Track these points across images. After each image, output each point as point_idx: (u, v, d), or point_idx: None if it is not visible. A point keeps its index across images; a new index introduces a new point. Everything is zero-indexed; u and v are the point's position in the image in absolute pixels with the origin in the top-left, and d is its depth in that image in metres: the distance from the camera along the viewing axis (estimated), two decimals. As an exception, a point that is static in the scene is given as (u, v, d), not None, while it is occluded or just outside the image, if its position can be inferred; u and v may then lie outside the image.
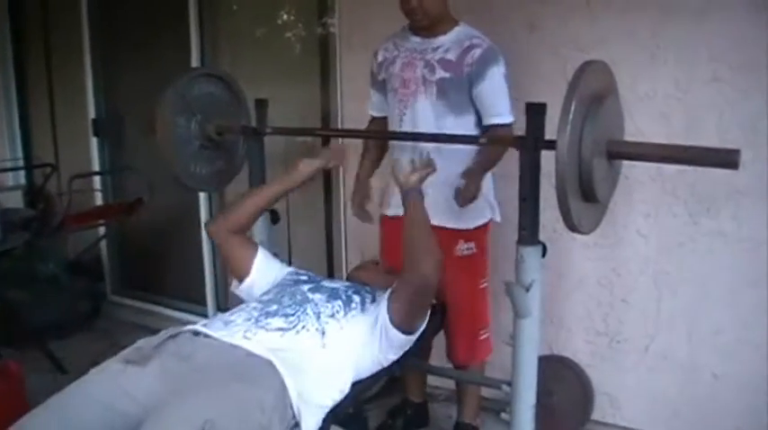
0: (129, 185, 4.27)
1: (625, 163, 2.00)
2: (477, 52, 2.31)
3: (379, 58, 2.53)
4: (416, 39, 2.42)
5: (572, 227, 1.68)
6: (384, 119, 2.59)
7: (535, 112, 1.83)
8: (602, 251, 2.69)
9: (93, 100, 4.29)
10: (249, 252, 2.15)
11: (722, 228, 2.46)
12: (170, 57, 3.91)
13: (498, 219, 2.52)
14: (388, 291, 1.95)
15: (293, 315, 1.86)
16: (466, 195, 2.29)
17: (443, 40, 2.37)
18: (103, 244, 4.39)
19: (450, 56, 2.34)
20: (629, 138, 1.98)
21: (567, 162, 1.58)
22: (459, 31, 2.37)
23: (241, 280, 2.13)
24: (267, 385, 1.62)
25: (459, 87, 2.33)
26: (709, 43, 2.37)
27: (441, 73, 2.34)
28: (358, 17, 3.08)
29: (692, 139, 2.33)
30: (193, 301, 4.01)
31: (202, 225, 3.86)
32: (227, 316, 1.90)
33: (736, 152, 1.56)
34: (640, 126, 2.46)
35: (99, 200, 4.33)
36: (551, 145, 1.63)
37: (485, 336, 2.61)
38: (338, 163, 2.34)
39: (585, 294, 2.77)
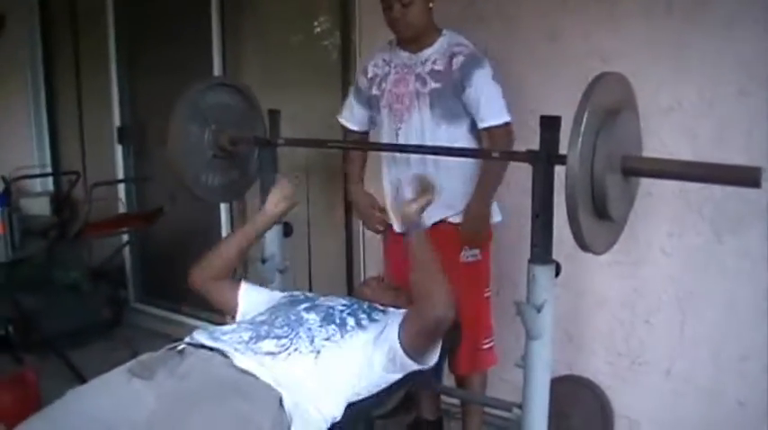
0: (152, 194, 4.29)
1: (648, 179, 1.92)
2: (460, 59, 2.34)
3: (370, 74, 2.55)
4: (405, 54, 2.45)
5: (583, 246, 1.60)
6: (363, 134, 2.65)
7: (549, 126, 1.76)
8: (625, 269, 2.60)
9: (118, 108, 4.34)
10: (233, 291, 2.14)
11: (749, 249, 2.36)
12: (193, 66, 3.93)
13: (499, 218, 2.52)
14: (400, 318, 1.87)
15: (285, 337, 1.80)
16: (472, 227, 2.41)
17: (430, 52, 2.40)
18: (127, 251, 4.41)
19: (439, 66, 2.37)
20: (652, 153, 1.89)
21: (577, 177, 1.50)
22: (443, 41, 2.41)
23: (233, 316, 2.12)
24: (263, 403, 1.60)
25: (450, 95, 2.36)
26: (736, 55, 2.29)
27: (432, 84, 2.37)
28: (377, 30, 3.03)
29: (720, 156, 2.24)
30: (215, 310, 3.97)
31: (223, 233, 3.86)
32: (217, 333, 1.85)
33: (757, 170, 1.46)
34: (665, 140, 2.38)
35: (122, 208, 4.35)
36: (565, 160, 1.56)
37: (488, 346, 2.57)
38: (290, 202, 2.26)
39: (607, 313, 2.68)
